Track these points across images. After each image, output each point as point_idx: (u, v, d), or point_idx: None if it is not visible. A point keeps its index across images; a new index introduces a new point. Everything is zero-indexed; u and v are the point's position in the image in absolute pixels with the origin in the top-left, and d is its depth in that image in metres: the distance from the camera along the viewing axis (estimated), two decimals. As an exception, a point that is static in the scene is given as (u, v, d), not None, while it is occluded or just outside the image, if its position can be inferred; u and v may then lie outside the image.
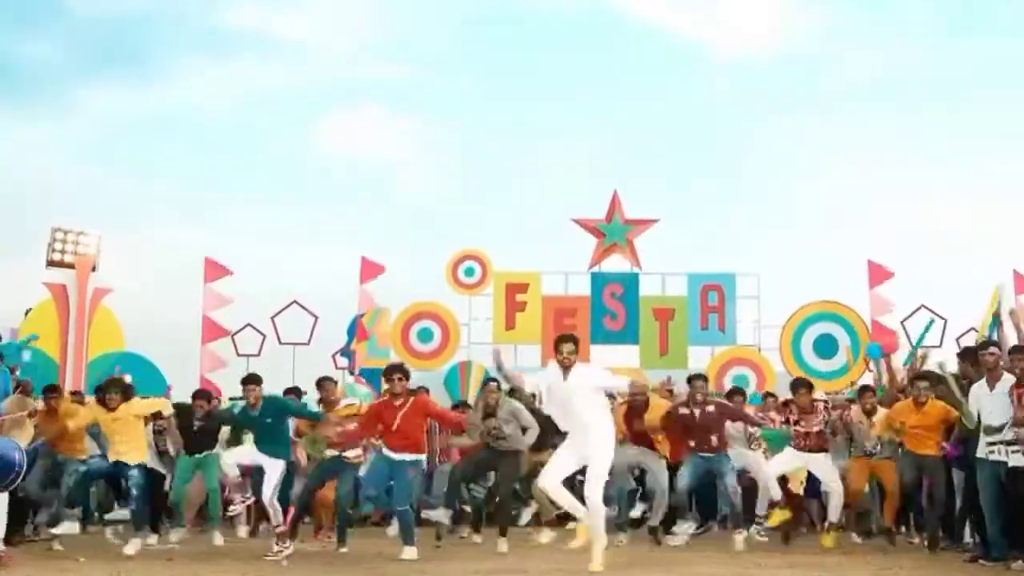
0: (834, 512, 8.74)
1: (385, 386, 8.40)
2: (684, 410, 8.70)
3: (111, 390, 8.50)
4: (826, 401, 9.47)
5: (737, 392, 10.33)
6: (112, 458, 8.43)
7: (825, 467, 8.81)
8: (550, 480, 6.81)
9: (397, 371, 8.04)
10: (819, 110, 27.23)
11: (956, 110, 26.83)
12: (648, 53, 27.30)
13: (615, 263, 15.26)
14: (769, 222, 26.16)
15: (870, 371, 13.60)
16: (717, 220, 26.69)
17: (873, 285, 14.52)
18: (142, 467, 8.44)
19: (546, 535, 8.80)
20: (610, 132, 27.41)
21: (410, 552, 7.70)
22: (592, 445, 6.67)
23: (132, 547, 8.10)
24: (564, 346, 6.86)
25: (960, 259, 22.87)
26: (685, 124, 27.94)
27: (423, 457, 8.28)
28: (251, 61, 28.97)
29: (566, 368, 6.79)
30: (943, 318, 14.12)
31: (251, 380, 8.48)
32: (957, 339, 13.33)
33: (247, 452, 8.40)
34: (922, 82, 26.22)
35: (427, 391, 9.80)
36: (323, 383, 8.87)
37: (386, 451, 7.92)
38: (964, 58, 26.26)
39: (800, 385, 9.01)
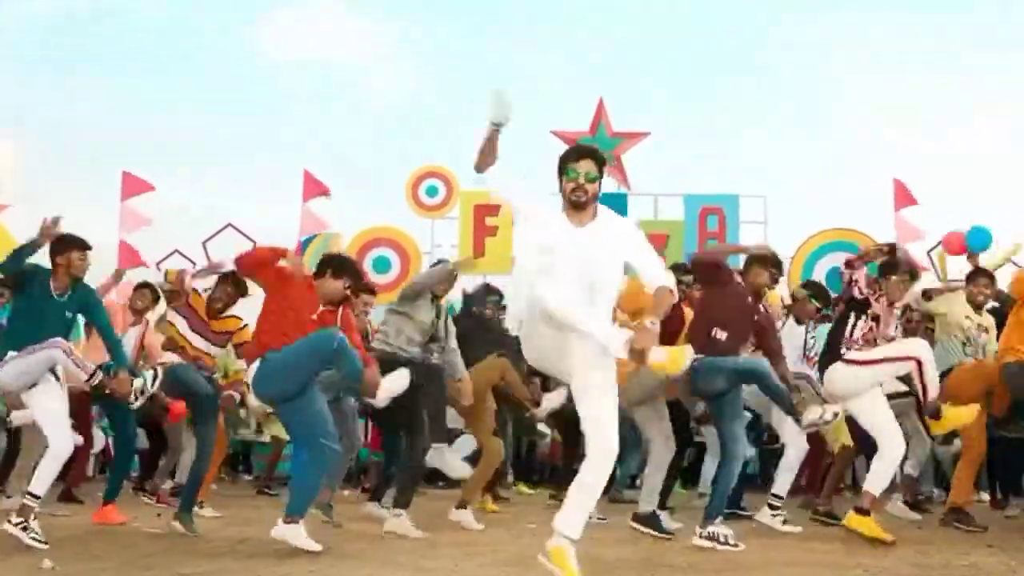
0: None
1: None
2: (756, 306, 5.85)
3: None
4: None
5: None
6: None
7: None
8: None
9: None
10: (842, 9, 24.81)
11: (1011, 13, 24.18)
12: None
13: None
14: (777, 138, 24.04)
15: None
16: (718, 135, 24.57)
17: (899, 208, 13.16)
18: None
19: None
20: (596, 33, 25.11)
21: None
22: (599, 354, 3.77)
23: None
24: (579, 164, 3.92)
25: (996, 185, 20.85)
26: (682, 26, 25.61)
27: None
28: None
29: (579, 208, 3.90)
30: (976, 248, 12.74)
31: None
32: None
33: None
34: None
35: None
36: None
37: None
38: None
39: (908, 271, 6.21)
